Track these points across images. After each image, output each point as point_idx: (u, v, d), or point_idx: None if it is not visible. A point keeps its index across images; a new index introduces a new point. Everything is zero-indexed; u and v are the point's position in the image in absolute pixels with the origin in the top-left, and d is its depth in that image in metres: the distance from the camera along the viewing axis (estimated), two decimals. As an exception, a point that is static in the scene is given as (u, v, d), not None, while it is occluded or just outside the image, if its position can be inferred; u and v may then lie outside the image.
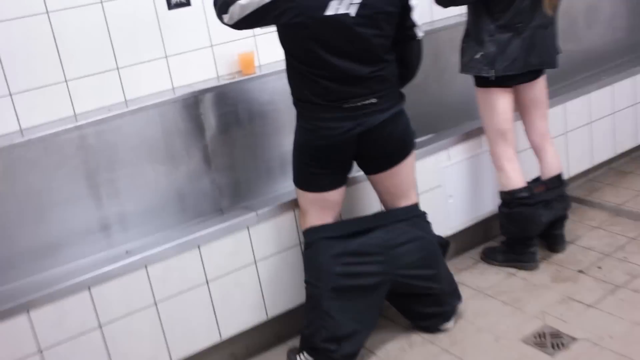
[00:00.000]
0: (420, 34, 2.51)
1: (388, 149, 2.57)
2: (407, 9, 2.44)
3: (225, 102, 3.03)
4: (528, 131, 3.24)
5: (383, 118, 2.47)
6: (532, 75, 3.06)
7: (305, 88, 2.44)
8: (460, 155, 3.28)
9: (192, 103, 2.96)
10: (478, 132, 3.33)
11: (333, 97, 2.40)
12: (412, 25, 2.48)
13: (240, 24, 2.42)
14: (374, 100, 2.43)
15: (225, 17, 2.42)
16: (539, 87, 3.14)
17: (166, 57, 3.06)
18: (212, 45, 3.17)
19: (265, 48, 3.30)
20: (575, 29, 4.29)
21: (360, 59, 2.38)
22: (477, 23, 2.95)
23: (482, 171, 3.36)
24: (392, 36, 2.43)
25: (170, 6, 3.04)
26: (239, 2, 2.33)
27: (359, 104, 2.42)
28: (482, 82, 3.02)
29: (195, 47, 3.14)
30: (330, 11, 2.27)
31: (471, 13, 3.00)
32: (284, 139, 3.16)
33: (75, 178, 2.74)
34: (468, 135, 3.32)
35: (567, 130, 3.70)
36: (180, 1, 3.06)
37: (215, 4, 2.47)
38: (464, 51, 3.05)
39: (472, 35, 2.99)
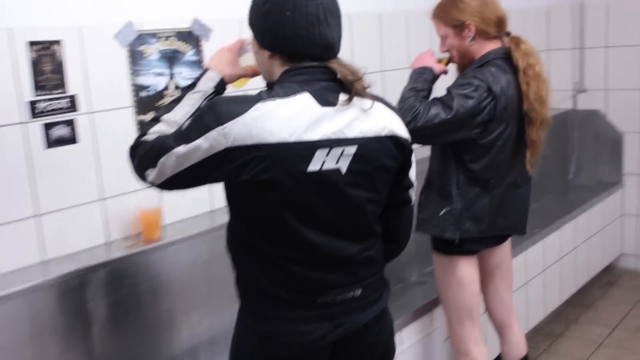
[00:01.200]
0: (414, 197, 1.89)
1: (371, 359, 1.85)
2: (407, 165, 1.81)
3: (123, 281, 2.15)
4: (491, 305, 2.72)
5: (368, 318, 1.78)
6: (498, 239, 2.57)
7: (264, 275, 1.68)
8: (412, 337, 2.69)
9: (75, 286, 2.04)
10: (429, 306, 2.80)
11: (306, 289, 1.68)
12: (409, 185, 1.85)
13: (172, 182, 1.65)
14: (357, 293, 1.74)
15: (151, 174, 1.64)
16: (504, 252, 2.65)
17: (38, 215, 2.13)
18: (103, 199, 2.28)
19: (173, 203, 2.46)
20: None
21: (348, 233, 1.70)
22: (443, 172, 2.42)
23: (434, 352, 2.82)
24: (384, 201, 1.78)
25: (50, 144, 2.14)
26: (175, 149, 1.58)
27: (338, 298, 1.71)
28: (445, 247, 2.47)
29: (80, 202, 2.23)
30: (314, 165, 1.58)
31: (437, 159, 2.47)
32: (198, 326, 2.36)
33: None
34: (419, 313, 2.76)
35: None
36: (62, 136, 2.17)
37: (133, 154, 1.69)
38: (422, 205, 2.48)
39: (436, 186, 2.44)
